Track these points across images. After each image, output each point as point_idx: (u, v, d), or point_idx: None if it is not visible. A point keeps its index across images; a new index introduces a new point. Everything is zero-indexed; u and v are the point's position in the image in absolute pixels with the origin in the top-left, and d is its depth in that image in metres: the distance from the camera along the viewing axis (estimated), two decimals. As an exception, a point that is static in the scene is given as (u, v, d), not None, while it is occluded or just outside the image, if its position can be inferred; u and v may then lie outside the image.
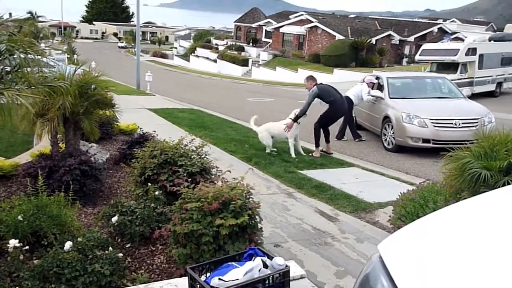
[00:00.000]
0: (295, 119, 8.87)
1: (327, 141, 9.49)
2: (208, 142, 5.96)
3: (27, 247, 3.75)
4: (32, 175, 5.06)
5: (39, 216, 4.01)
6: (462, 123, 9.32)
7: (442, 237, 1.58)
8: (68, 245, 3.61)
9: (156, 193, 4.78)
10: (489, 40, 22.24)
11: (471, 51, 20.05)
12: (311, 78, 9.44)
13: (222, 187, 3.81)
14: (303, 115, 8.90)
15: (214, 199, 3.64)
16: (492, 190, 1.96)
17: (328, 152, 9.36)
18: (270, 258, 3.24)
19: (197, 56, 54.89)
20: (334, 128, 11.30)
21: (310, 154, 9.14)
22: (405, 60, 42.78)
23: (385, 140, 10.22)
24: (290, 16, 48.01)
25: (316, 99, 9.13)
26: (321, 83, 9.40)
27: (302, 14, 46.42)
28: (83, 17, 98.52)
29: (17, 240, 3.66)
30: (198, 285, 3.01)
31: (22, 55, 4.33)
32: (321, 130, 9.39)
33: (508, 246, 1.39)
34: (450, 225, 1.65)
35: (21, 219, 3.93)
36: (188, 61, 54.93)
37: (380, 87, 11.23)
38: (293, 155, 8.83)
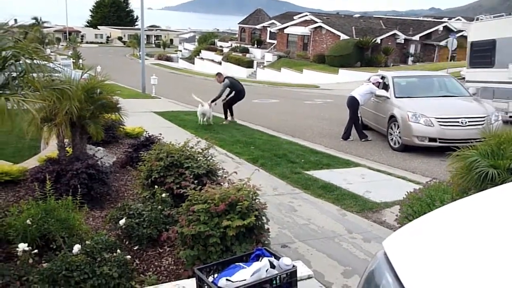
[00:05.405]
0: (212, 101, 12.43)
1: (232, 114, 13.07)
2: (213, 144, 5.97)
3: (36, 250, 3.78)
4: (40, 179, 5.10)
5: (47, 220, 4.04)
6: (469, 121, 9.26)
7: (446, 232, 1.58)
8: (76, 248, 3.63)
9: (163, 195, 4.80)
10: None
11: None
12: (220, 74, 13.33)
13: (229, 189, 3.83)
14: (218, 99, 12.55)
15: (221, 200, 3.65)
16: (497, 186, 1.96)
17: (232, 120, 12.99)
18: (277, 258, 3.25)
19: (201, 58, 54.97)
20: (340, 128, 11.34)
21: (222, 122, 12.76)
22: (410, 59, 42.55)
23: (391, 139, 10.19)
24: (294, 17, 47.90)
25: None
26: (228, 77, 13.14)
27: (306, 15, 46.32)
28: (87, 22, 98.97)
29: (26, 244, 3.69)
30: (206, 286, 3.02)
31: (28, 61, 4.36)
32: (228, 109, 12.97)
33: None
34: (454, 221, 1.65)
35: (30, 223, 3.97)
36: (193, 63, 54.99)
37: (385, 87, 11.19)
38: (201, 122, 12.34)
